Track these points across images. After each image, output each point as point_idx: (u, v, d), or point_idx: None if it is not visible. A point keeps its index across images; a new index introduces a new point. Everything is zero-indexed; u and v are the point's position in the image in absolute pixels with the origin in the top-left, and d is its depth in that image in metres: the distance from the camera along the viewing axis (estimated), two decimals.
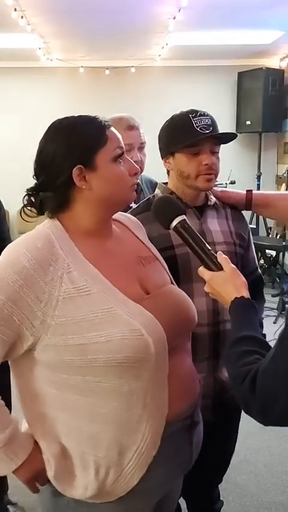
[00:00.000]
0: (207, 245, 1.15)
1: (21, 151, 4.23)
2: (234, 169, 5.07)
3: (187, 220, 1.16)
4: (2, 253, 1.04)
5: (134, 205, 1.60)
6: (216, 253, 1.14)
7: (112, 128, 1.10)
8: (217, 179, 1.48)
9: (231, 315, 1.07)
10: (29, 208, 1.11)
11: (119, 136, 1.11)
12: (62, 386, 1.03)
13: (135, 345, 0.99)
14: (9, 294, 0.97)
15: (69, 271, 1.01)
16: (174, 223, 1.15)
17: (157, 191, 1.55)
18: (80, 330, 0.99)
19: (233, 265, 1.12)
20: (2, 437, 1.02)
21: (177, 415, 1.08)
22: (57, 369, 1.02)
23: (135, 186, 1.14)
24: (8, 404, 1.14)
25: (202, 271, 1.13)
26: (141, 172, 2.04)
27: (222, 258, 1.12)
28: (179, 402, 1.09)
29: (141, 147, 1.98)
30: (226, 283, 1.09)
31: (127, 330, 0.99)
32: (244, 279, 1.11)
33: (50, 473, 1.06)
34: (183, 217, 1.16)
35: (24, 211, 1.11)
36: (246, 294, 1.08)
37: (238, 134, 1.52)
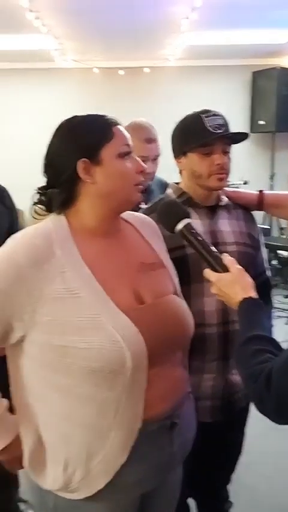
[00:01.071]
0: (212, 247, 1.14)
1: (35, 151, 4.25)
2: (247, 169, 5.04)
3: (192, 224, 1.15)
4: (4, 244, 1.05)
5: (144, 206, 1.60)
6: (221, 254, 1.14)
7: (120, 126, 1.10)
8: (230, 179, 1.47)
9: (240, 315, 1.06)
10: (39, 206, 1.12)
11: (127, 134, 1.11)
12: (45, 382, 1.05)
13: (112, 356, 0.98)
14: (2, 287, 0.99)
15: (63, 271, 1.01)
16: (179, 226, 1.15)
17: (169, 191, 1.55)
18: (64, 331, 0.99)
19: (240, 266, 1.11)
20: None
21: (154, 416, 1.07)
22: (41, 365, 1.04)
23: (141, 186, 1.12)
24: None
25: (208, 273, 1.13)
26: (151, 180, 2.02)
27: (228, 259, 1.12)
28: (157, 404, 1.07)
29: (155, 159, 1.96)
30: (233, 285, 1.08)
31: (107, 340, 0.98)
32: (251, 279, 1.11)
33: (25, 460, 1.10)
34: (188, 220, 1.15)
35: (35, 209, 1.12)
36: (254, 294, 1.07)
37: (252, 134, 1.52)
